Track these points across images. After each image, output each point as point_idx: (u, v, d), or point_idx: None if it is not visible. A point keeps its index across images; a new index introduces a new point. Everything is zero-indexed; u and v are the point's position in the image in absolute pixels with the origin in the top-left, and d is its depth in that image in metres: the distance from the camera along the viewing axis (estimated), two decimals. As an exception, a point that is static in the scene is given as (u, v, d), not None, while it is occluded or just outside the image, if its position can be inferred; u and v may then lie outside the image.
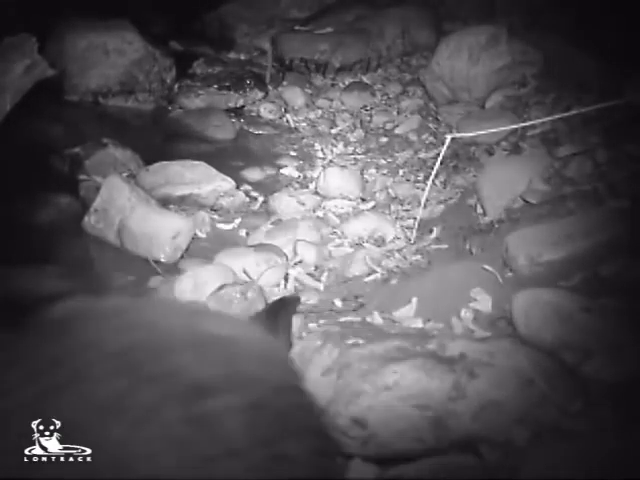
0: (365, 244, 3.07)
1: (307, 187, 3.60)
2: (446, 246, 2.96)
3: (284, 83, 4.55)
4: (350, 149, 3.97)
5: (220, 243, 3.15)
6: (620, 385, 1.90)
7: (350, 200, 3.43)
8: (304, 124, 4.26)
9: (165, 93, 4.43)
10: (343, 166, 3.66)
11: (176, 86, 4.50)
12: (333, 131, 4.16)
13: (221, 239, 3.22)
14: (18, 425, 0.69)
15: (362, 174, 3.62)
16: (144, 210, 3.07)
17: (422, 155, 3.74)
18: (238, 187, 3.53)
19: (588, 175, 2.78)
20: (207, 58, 4.83)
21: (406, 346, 2.00)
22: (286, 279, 2.86)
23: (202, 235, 3.22)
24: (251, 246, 3.01)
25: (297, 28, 4.83)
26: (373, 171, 3.70)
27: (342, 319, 2.57)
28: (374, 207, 3.40)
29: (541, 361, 1.94)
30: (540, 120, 3.17)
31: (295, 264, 2.94)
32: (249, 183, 3.66)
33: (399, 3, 4.75)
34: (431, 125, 3.96)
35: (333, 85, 4.54)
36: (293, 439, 0.75)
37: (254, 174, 3.76)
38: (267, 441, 0.73)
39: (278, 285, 2.83)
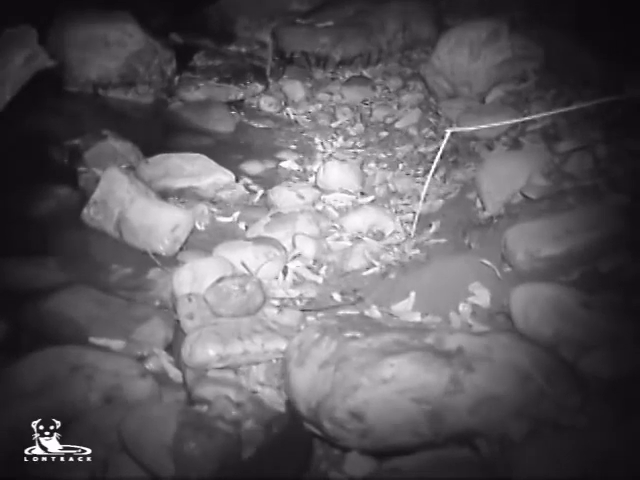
0: (364, 238, 3.07)
1: (307, 180, 3.60)
2: (445, 240, 2.95)
3: (284, 76, 4.55)
4: (350, 143, 3.96)
5: (219, 236, 3.15)
6: (618, 381, 1.90)
7: (350, 194, 3.43)
8: (304, 117, 4.26)
9: (165, 85, 4.43)
10: (343, 160, 3.65)
11: (176, 78, 4.50)
12: (333, 125, 4.16)
13: (220, 232, 3.22)
14: None
15: (362, 168, 3.62)
16: (143, 202, 3.07)
17: (422, 149, 3.74)
18: (237, 180, 3.52)
19: (588, 170, 2.77)
20: (207, 51, 4.83)
21: (404, 340, 2.00)
22: (285, 272, 2.86)
23: (201, 228, 3.23)
24: (250, 239, 3.01)
25: (298, 21, 4.83)
26: (373, 165, 3.70)
27: (340, 312, 2.57)
28: (373, 201, 3.40)
29: (539, 356, 1.94)
30: (540, 115, 3.16)
31: (294, 257, 2.93)
32: (249, 176, 3.66)
33: (400, -3, 4.75)
34: (431, 119, 3.95)
35: (333, 79, 4.54)
36: None
37: (254, 167, 3.76)
38: None
39: (277, 278, 2.83)
